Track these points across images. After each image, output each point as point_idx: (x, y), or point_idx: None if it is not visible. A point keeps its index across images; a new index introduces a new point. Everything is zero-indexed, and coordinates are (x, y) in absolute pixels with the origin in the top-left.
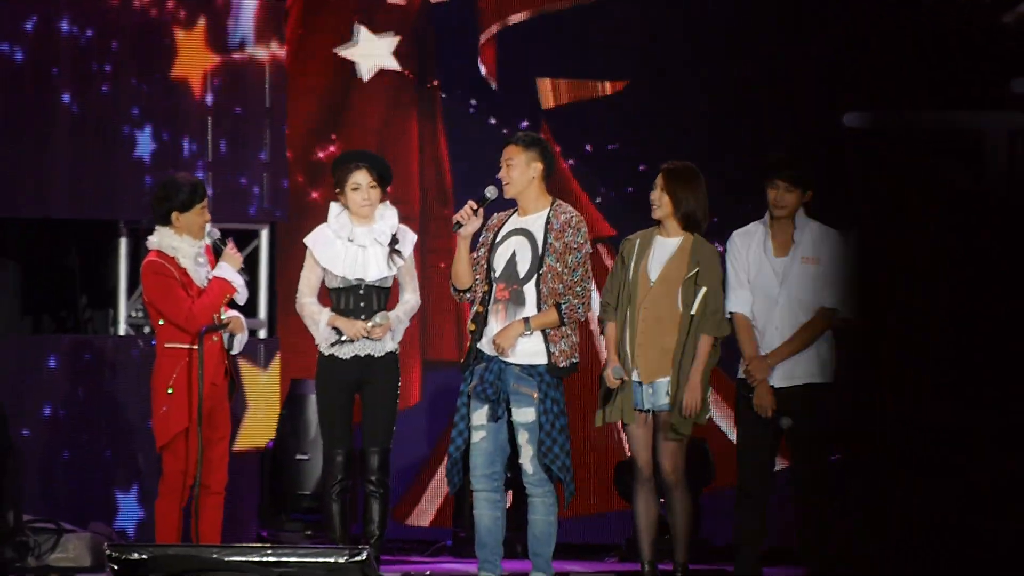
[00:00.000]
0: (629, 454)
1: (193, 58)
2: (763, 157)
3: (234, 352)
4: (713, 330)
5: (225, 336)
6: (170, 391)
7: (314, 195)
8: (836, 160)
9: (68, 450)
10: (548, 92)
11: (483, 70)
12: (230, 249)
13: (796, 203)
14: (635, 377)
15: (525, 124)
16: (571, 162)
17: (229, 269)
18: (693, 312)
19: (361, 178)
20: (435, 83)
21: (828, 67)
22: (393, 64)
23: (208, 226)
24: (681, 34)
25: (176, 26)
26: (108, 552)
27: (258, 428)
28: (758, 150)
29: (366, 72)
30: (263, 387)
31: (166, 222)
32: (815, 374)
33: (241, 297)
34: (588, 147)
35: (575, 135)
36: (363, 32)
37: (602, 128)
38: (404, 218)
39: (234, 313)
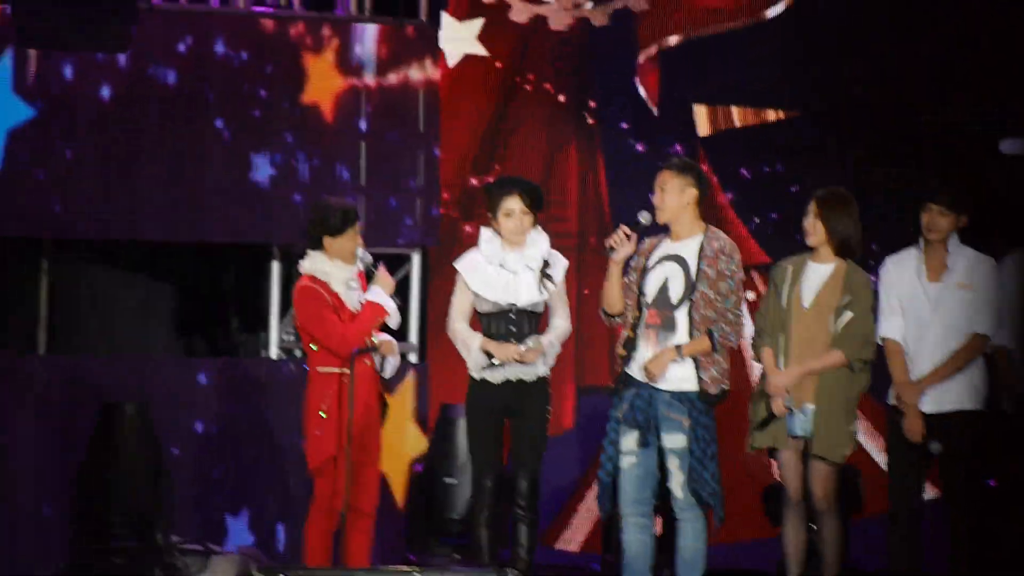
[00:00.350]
0: (779, 479)
1: (343, 82)
2: (919, 182)
3: (386, 375)
4: (849, 350)
5: (377, 359)
6: (323, 415)
7: (467, 228)
8: (992, 186)
9: (217, 471)
10: (704, 118)
11: (643, 93)
12: (382, 273)
13: (950, 228)
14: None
15: (678, 148)
16: (728, 194)
17: (381, 293)
18: (834, 332)
19: (514, 204)
20: (591, 106)
21: (993, 91)
22: (548, 87)
23: (359, 250)
24: (838, 58)
25: (326, 51)
26: (256, 574)
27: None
28: (914, 176)
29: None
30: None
31: (318, 246)
32: (966, 400)
33: (393, 321)
34: (744, 172)
35: (731, 161)
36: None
37: (757, 154)
38: (559, 245)
39: (386, 336)
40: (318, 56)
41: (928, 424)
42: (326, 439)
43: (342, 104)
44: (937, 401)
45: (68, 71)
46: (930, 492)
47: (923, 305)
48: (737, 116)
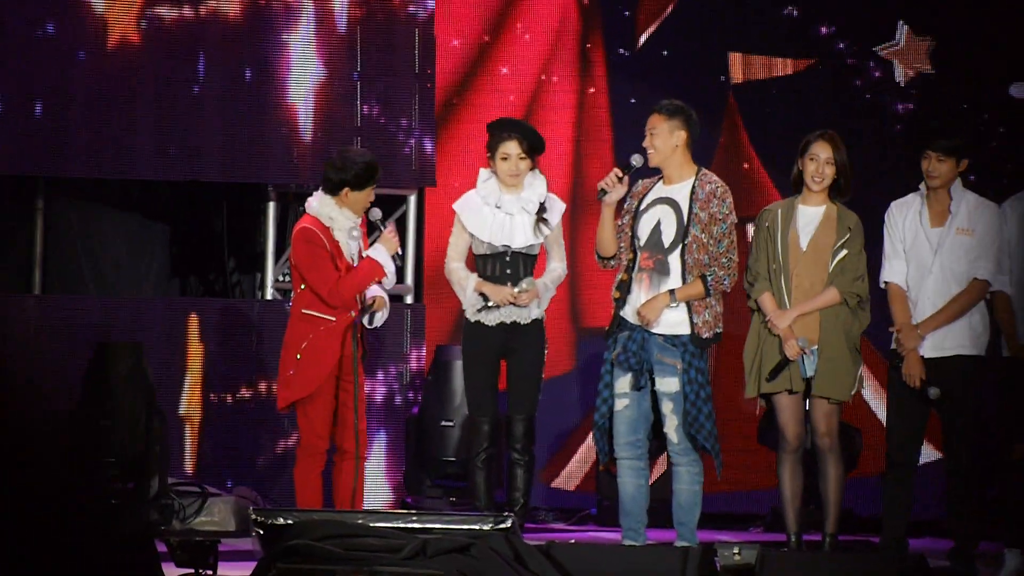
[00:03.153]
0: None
1: (337, 26)
2: (918, 128)
3: (373, 326)
4: (840, 285)
5: (366, 317)
6: (299, 356)
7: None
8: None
9: (213, 414)
10: (738, 66)
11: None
12: (388, 232)
13: (950, 173)
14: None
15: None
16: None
17: (383, 252)
18: (830, 271)
19: (511, 148)
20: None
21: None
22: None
23: (372, 208)
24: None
25: None
26: (253, 516)
27: None
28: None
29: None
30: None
31: (334, 192)
32: (966, 346)
33: (389, 282)
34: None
35: (758, 108)
36: None
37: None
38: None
39: (380, 292)
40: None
41: (928, 369)
42: (299, 381)
43: (336, 46)
44: (937, 346)
45: (61, 8)
46: (932, 452)
47: (925, 250)
48: (766, 66)
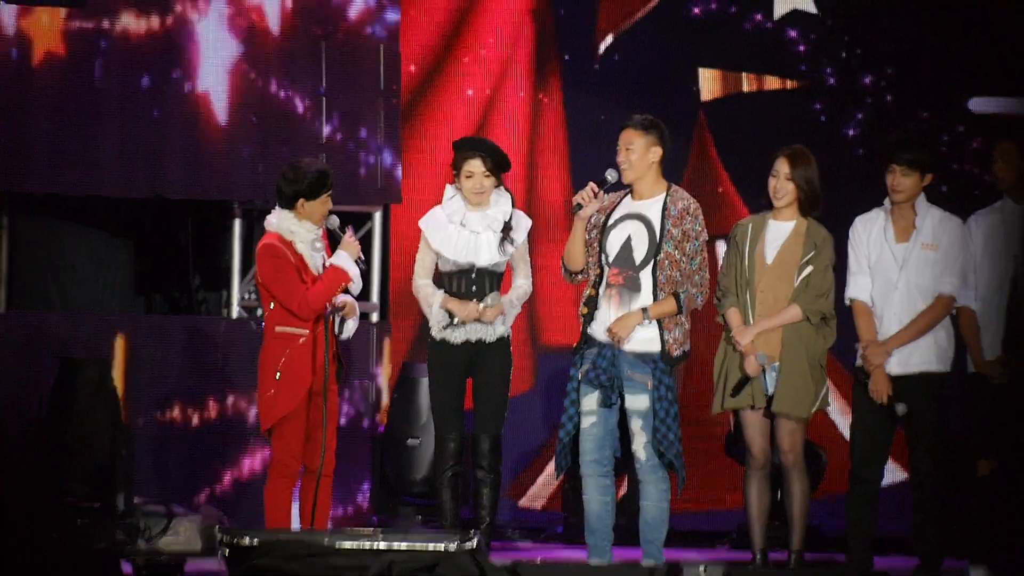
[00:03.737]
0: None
1: (302, 40)
2: (882, 141)
3: (344, 336)
4: (803, 302)
5: (336, 320)
6: (278, 375)
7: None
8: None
9: (179, 432)
10: (708, 82)
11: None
12: (348, 238)
13: (914, 187)
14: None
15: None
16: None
17: (346, 258)
18: (795, 286)
19: (475, 166)
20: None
21: (955, 50)
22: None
23: (330, 215)
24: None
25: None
26: (220, 536)
27: None
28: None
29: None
30: None
31: (290, 206)
32: (932, 362)
33: (356, 287)
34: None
35: (728, 125)
36: None
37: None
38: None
39: (348, 298)
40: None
41: (894, 386)
42: (281, 399)
43: (300, 63)
44: (903, 363)
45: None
46: (899, 471)
47: (890, 265)
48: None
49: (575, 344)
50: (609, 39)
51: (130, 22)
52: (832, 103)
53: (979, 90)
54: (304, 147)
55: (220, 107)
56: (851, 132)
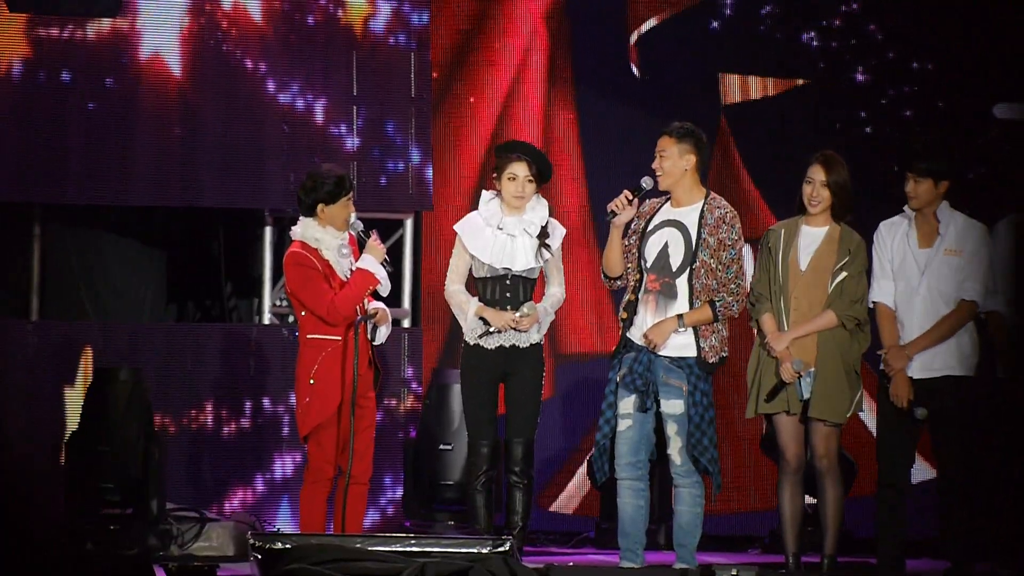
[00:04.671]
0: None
1: (340, 48)
2: (902, 149)
3: (377, 343)
4: (839, 308)
5: (369, 326)
6: (312, 382)
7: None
8: (985, 151)
9: (212, 439)
10: (727, 87)
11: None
12: (373, 241)
13: (927, 195)
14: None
15: None
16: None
17: (372, 261)
18: (829, 293)
19: (520, 170)
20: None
21: (981, 57)
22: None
23: (352, 217)
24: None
25: (320, 15)
26: (251, 541)
27: None
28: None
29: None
30: None
31: (311, 213)
32: (954, 366)
33: (384, 289)
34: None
35: (750, 129)
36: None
37: (776, 122)
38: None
39: (380, 304)
40: (312, 24)
41: (916, 390)
42: (316, 406)
43: (335, 69)
44: (926, 367)
45: (57, 31)
46: (928, 470)
47: (912, 270)
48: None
49: (614, 349)
50: (633, 39)
51: (163, 35)
52: (853, 106)
53: (1005, 96)
54: (335, 156)
55: (251, 117)
56: (869, 131)
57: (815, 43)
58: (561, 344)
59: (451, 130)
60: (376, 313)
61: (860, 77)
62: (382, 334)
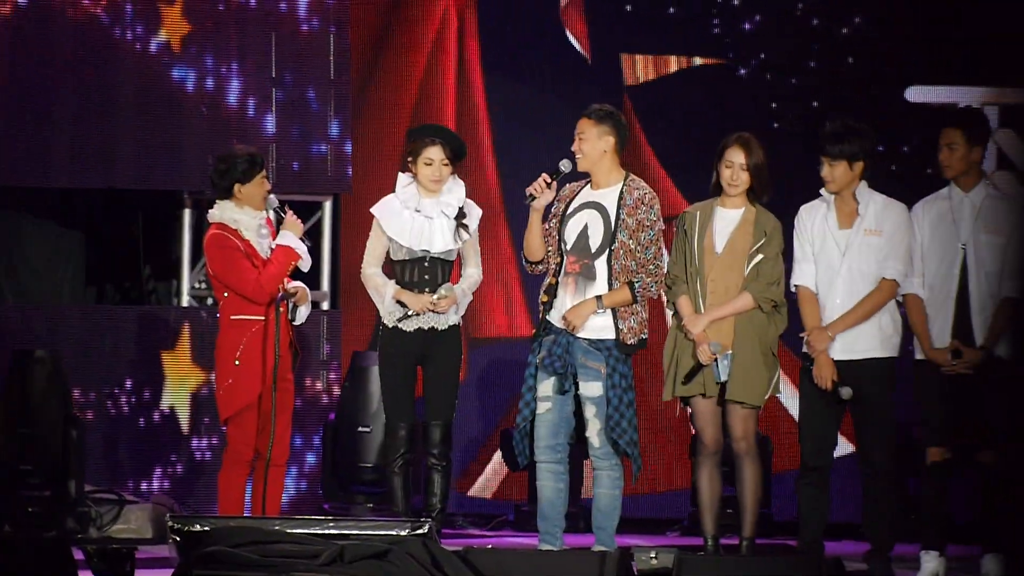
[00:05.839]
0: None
1: (259, 30)
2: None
3: (297, 323)
4: (755, 290)
5: (290, 306)
6: (237, 363)
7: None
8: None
9: (129, 421)
10: (630, 68)
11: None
12: (290, 216)
13: (843, 177)
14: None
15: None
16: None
17: (292, 236)
18: (745, 275)
19: (435, 153)
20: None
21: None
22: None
23: (269, 196)
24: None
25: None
26: (170, 524)
27: None
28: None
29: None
30: None
31: (228, 195)
32: (876, 348)
33: (305, 264)
34: (665, 123)
35: (655, 111)
36: None
37: (681, 103)
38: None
39: (299, 284)
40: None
41: (839, 371)
42: (240, 388)
43: (253, 51)
44: (848, 348)
45: None
46: (847, 446)
47: (833, 252)
48: (660, 65)
49: (534, 332)
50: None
51: (82, 11)
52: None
53: (917, 80)
54: (254, 138)
55: (170, 99)
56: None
57: (716, 30)
58: (474, 327)
59: (370, 112)
60: (296, 292)
61: (766, 58)
62: (302, 314)
